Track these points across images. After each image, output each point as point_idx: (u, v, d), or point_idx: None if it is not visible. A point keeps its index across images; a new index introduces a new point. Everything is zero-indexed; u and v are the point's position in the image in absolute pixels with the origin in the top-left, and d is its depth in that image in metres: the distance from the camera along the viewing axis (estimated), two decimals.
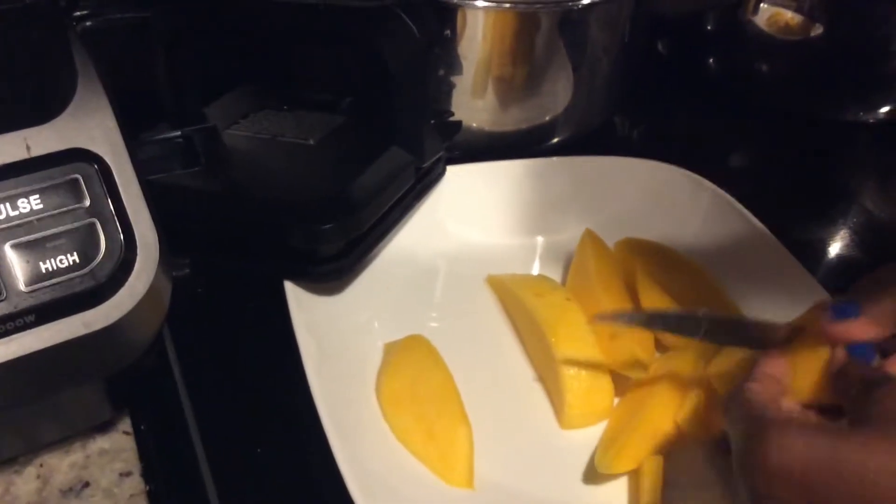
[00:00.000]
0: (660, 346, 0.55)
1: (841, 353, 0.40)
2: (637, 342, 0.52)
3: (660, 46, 0.89)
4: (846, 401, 0.38)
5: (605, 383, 0.51)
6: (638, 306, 0.56)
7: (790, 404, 0.39)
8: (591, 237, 0.60)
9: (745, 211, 0.60)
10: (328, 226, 0.50)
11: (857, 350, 0.40)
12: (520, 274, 0.60)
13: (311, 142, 0.59)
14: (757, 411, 0.38)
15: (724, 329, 0.47)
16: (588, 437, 0.50)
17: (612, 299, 0.55)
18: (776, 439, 0.35)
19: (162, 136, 0.54)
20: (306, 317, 0.50)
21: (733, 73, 0.84)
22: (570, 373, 0.50)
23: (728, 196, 0.61)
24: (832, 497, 0.33)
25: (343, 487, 0.41)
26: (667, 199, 0.64)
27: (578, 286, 0.58)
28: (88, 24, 0.66)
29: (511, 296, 0.58)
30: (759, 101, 0.82)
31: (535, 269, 0.62)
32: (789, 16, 0.78)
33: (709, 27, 0.84)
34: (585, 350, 0.51)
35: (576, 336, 0.52)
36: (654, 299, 0.56)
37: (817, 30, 0.77)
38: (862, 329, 0.40)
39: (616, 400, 0.51)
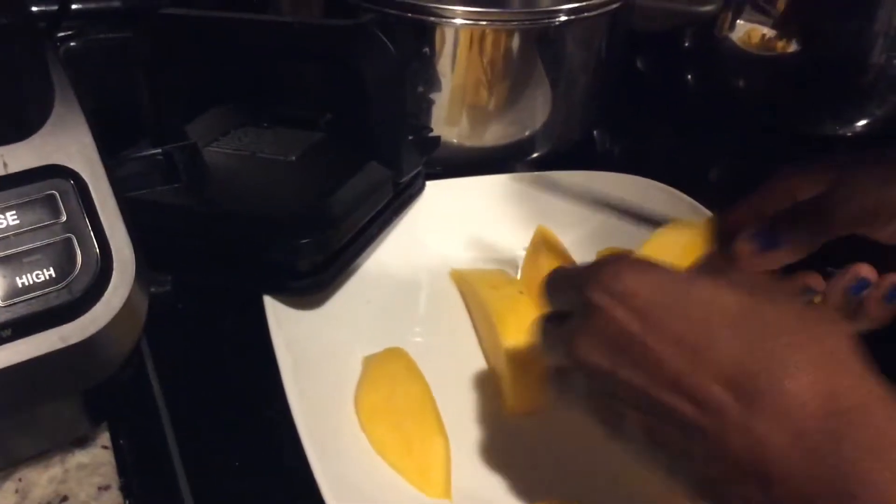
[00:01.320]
0: None
1: None
2: None
3: (638, 63, 0.90)
4: None
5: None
6: None
7: None
8: (542, 233, 0.62)
9: None
10: (306, 240, 0.50)
11: None
12: (480, 268, 0.61)
13: (291, 158, 0.59)
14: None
15: None
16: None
17: None
18: (629, 266, 0.37)
19: (142, 154, 0.54)
20: (285, 331, 0.51)
21: (711, 88, 0.85)
22: (513, 360, 0.52)
23: (705, 209, 0.62)
24: (666, 319, 0.34)
25: (321, 501, 0.41)
26: (646, 213, 0.64)
27: (531, 279, 0.59)
28: (72, 44, 0.67)
29: (470, 288, 0.59)
30: (736, 117, 0.83)
31: None
32: (765, 32, 0.79)
33: (686, 43, 0.85)
34: (530, 340, 0.52)
35: (523, 326, 0.53)
36: None
37: (793, 45, 0.78)
38: (778, 259, 0.43)
39: None
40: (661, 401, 0.34)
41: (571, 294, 0.39)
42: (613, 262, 0.37)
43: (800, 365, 0.32)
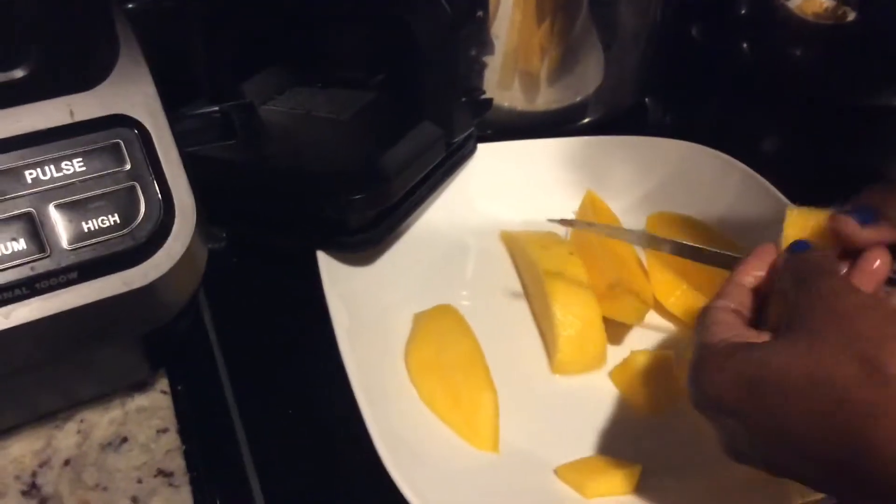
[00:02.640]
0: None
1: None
2: (634, 292, 0.54)
3: (692, 30, 0.89)
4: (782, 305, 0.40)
5: (597, 333, 0.53)
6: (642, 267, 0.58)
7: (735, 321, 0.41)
8: (591, 197, 0.62)
9: (775, 190, 0.60)
10: (358, 196, 0.51)
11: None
12: (530, 230, 0.62)
13: (343, 117, 0.60)
14: (705, 337, 0.40)
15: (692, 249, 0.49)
16: (616, 408, 0.51)
17: (609, 254, 0.57)
18: (710, 366, 0.38)
19: (200, 111, 0.55)
20: (338, 286, 0.52)
21: (766, 57, 0.84)
22: (563, 320, 0.52)
23: (758, 176, 0.61)
24: (768, 402, 0.35)
25: (372, 449, 0.42)
26: (697, 179, 0.64)
27: (580, 243, 0.60)
28: (130, 6, 0.68)
29: (520, 249, 0.60)
30: (791, 86, 0.81)
31: None
32: (822, 0, 0.77)
33: (742, 11, 0.84)
34: (580, 300, 0.53)
35: (572, 287, 0.54)
36: (661, 258, 0.57)
37: (850, 14, 0.77)
38: (884, 233, 0.42)
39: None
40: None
41: None
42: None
43: None
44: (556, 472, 0.46)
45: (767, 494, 0.43)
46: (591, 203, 0.62)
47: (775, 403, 0.35)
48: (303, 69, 0.65)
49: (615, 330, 0.54)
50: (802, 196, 0.59)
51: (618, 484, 0.45)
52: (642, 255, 0.59)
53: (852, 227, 0.42)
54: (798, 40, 0.81)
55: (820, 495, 0.41)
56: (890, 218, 0.43)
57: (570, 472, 0.46)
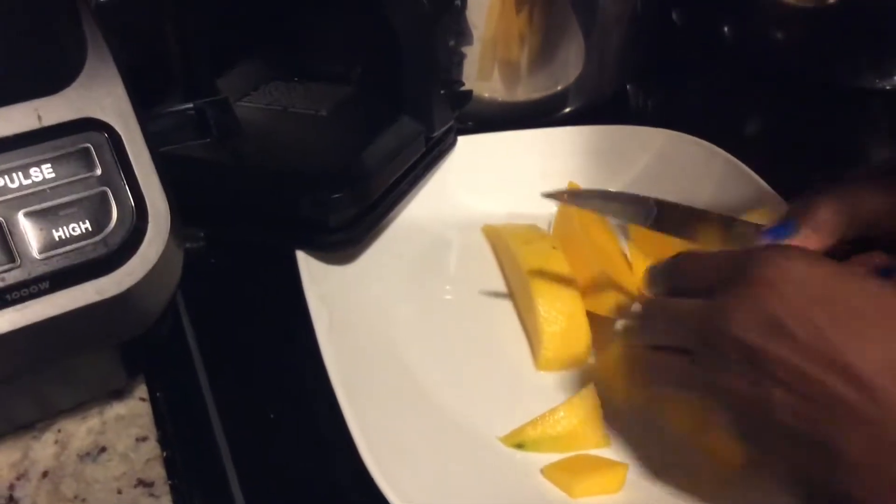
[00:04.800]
0: None
1: None
2: (617, 285, 0.54)
3: (673, 15, 0.88)
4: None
5: (581, 328, 0.52)
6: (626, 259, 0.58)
7: None
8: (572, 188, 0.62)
9: (757, 177, 0.60)
10: (337, 195, 0.50)
11: None
12: (512, 224, 0.61)
13: (322, 113, 0.59)
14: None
15: (673, 217, 0.48)
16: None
17: (592, 247, 0.57)
18: (788, 252, 0.38)
19: (174, 109, 0.54)
20: (318, 285, 0.51)
21: (748, 40, 0.84)
22: (547, 316, 0.52)
23: (740, 163, 0.61)
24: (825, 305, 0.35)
25: (355, 452, 0.42)
26: (679, 167, 0.64)
27: (563, 235, 0.59)
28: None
29: (502, 243, 0.59)
30: (773, 69, 0.81)
31: None
32: None
33: None
34: (563, 296, 0.53)
35: (555, 282, 0.53)
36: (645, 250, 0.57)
37: None
38: (807, 241, 0.43)
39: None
40: (815, 378, 0.34)
41: (711, 275, 0.40)
42: (772, 249, 0.39)
43: None
44: (542, 471, 0.46)
45: (755, 491, 0.43)
46: None
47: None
48: (279, 63, 0.64)
49: (600, 323, 0.54)
50: (786, 180, 0.59)
51: (605, 483, 0.44)
52: (626, 247, 0.59)
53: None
54: (780, 23, 0.81)
55: None
56: (819, 221, 0.44)
57: (556, 472, 0.46)
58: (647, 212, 0.48)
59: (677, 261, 0.43)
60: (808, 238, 0.44)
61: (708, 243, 0.47)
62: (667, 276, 0.44)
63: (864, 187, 0.45)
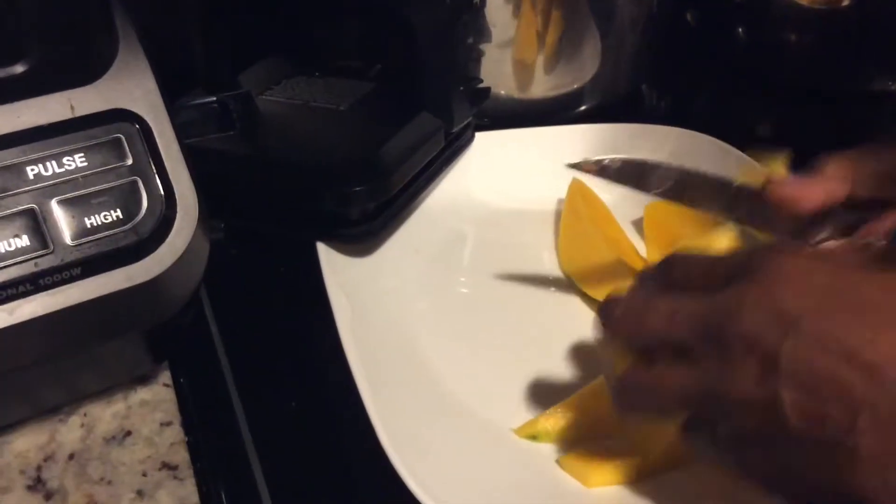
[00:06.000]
0: None
1: None
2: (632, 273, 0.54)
3: (688, 17, 0.88)
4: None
5: None
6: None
7: None
8: (578, 187, 0.62)
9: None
10: (358, 188, 0.51)
11: None
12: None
13: (342, 107, 0.59)
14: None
15: (695, 185, 0.50)
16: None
17: (605, 236, 0.58)
18: (785, 254, 0.37)
19: (198, 101, 0.55)
20: (337, 276, 0.52)
21: (761, 42, 0.84)
22: None
23: (754, 161, 0.62)
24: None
25: (377, 441, 0.42)
26: (693, 166, 0.64)
27: (570, 231, 0.60)
28: None
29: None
30: (787, 70, 0.82)
31: None
32: None
33: None
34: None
35: None
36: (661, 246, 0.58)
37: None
38: (816, 189, 0.44)
39: None
40: (825, 369, 0.34)
41: (710, 274, 0.39)
42: (775, 247, 0.39)
43: None
44: (558, 462, 0.47)
45: None
46: (578, 191, 0.62)
47: None
48: (300, 59, 0.65)
49: None
50: None
51: (621, 473, 0.45)
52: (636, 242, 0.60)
53: (790, 189, 0.43)
54: (794, 26, 0.81)
55: None
56: (838, 167, 0.45)
57: (572, 462, 0.46)
58: (669, 179, 0.49)
59: (672, 261, 0.42)
60: (826, 182, 0.44)
61: (724, 216, 0.48)
62: (662, 277, 0.42)
63: (885, 147, 0.46)
